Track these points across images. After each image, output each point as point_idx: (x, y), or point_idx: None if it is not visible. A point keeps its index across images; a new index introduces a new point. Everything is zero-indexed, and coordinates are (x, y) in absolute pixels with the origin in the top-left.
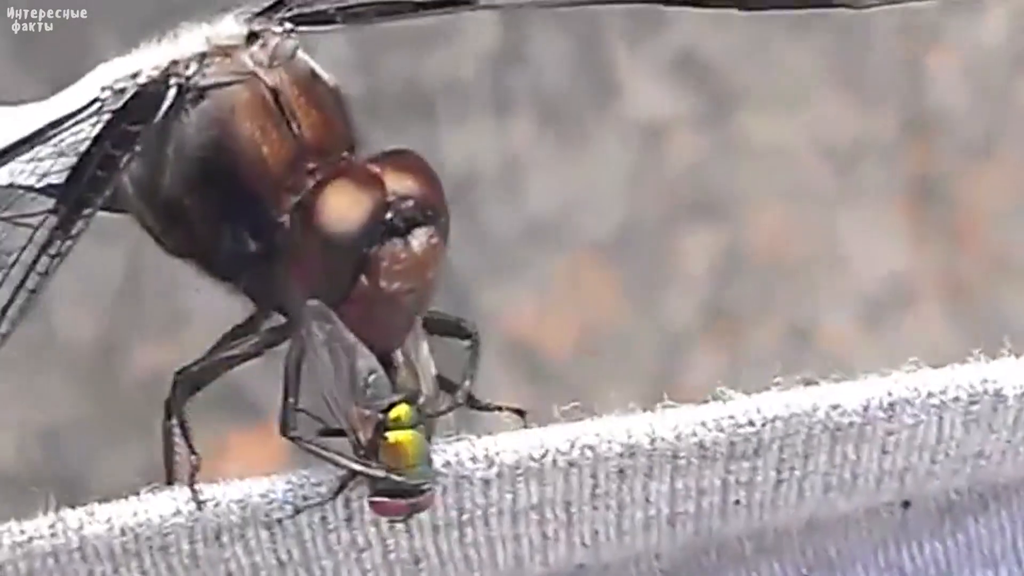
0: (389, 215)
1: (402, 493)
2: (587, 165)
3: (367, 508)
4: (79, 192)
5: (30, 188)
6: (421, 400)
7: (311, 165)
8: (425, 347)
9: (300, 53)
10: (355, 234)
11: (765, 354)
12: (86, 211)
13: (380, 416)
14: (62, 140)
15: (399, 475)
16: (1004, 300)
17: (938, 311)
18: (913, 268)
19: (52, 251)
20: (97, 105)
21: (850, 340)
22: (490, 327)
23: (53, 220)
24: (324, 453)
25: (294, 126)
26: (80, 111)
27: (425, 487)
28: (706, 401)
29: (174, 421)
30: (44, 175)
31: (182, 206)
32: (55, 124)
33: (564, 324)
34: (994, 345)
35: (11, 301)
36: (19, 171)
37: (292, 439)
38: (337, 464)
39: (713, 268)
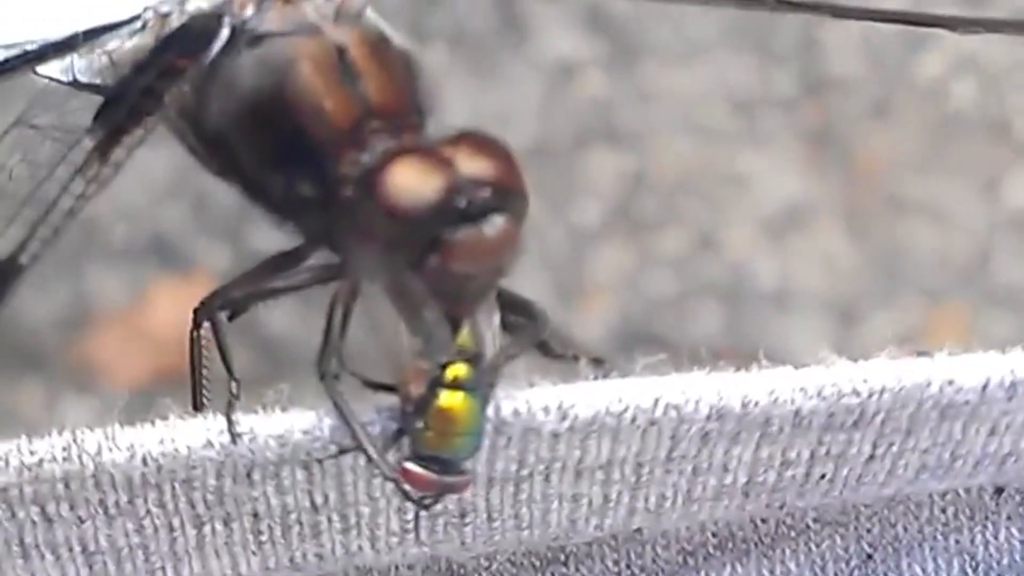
0: (462, 201)
1: (441, 465)
2: (499, 94)
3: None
4: (118, 119)
5: (66, 82)
6: (483, 365)
7: (376, 124)
8: (496, 318)
9: (369, 12)
10: (424, 218)
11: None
12: (125, 139)
13: (436, 371)
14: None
15: (443, 441)
16: (891, 227)
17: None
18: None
19: (89, 175)
20: (139, 24)
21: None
22: None
23: (89, 142)
24: (348, 417)
25: (360, 86)
26: (120, 24)
27: (465, 468)
28: (806, 365)
29: (202, 332)
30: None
31: (229, 140)
32: (91, 33)
33: None
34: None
35: (43, 219)
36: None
37: (326, 384)
38: (356, 440)
39: (619, 186)
